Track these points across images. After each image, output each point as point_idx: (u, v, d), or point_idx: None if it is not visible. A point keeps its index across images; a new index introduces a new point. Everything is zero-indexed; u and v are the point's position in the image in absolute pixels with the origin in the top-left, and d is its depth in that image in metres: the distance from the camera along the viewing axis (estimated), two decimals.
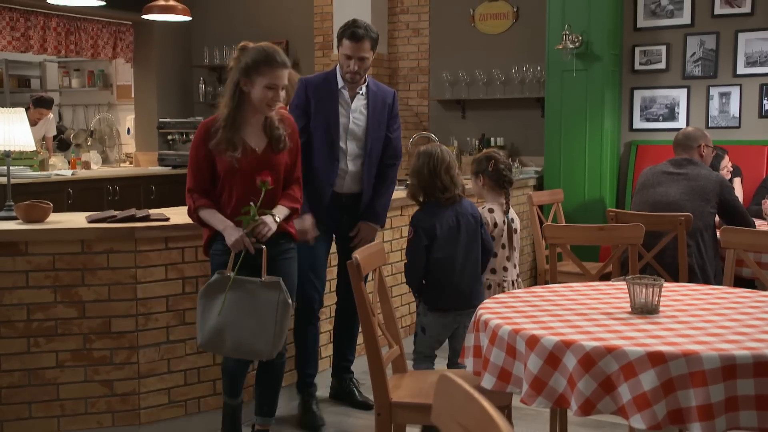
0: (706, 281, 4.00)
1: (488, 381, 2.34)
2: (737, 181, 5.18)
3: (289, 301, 3.04)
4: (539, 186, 6.36)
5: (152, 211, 3.68)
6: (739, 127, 6.04)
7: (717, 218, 4.19)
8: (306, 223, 3.55)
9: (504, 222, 3.79)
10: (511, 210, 3.86)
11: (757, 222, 4.33)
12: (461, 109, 7.32)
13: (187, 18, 6.46)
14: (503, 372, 2.30)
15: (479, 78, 7.10)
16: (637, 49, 6.34)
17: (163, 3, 6.25)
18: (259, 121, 3.16)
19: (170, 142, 8.12)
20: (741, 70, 6.01)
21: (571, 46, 5.98)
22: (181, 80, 8.70)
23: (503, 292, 3.45)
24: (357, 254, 2.70)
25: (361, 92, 3.72)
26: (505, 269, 3.80)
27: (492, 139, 6.96)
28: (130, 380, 3.36)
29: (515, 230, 3.83)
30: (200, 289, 3.08)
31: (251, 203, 3.04)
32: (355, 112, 3.71)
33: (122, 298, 3.33)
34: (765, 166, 5.74)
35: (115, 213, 3.53)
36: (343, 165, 3.70)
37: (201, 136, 3.14)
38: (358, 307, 2.70)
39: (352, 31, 3.61)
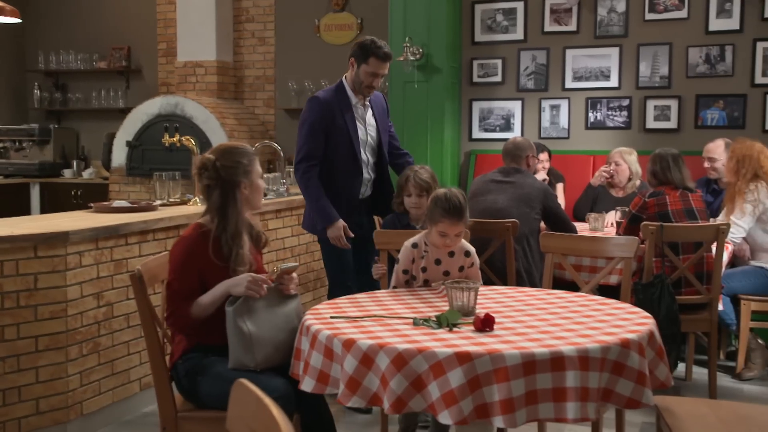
0: (533, 284, 4.21)
1: (308, 384, 2.37)
2: (559, 187, 5.48)
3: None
4: None
5: None
6: (568, 137, 6.40)
7: (543, 224, 4.42)
8: (339, 230, 3.92)
9: None
10: None
11: (579, 226, 4.61)
12: None
13: (17, 20, 6.13)
14: (322, 374, 2.34)
15: (324, 87, 7.14)
16: (475, 62, 6.60)
17: None
18: None
19: (2, 151, 7.68)
20: (569, 84, 6.37)
21: (412, 58, 6.15)
22: (13, 85, 8.26)
23: None
24: (141, 267, 2.66)
25: (366, 104, 4.12)
26: None
27: None
28: None
29: None
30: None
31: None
32: (369, 125, 4.13)
33: None
34: (591, 174, 6.10)
35: None
36: (366, 174, 4.10)
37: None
38: (141, 318, 2.65)
39: (383, 51, 3.96)
